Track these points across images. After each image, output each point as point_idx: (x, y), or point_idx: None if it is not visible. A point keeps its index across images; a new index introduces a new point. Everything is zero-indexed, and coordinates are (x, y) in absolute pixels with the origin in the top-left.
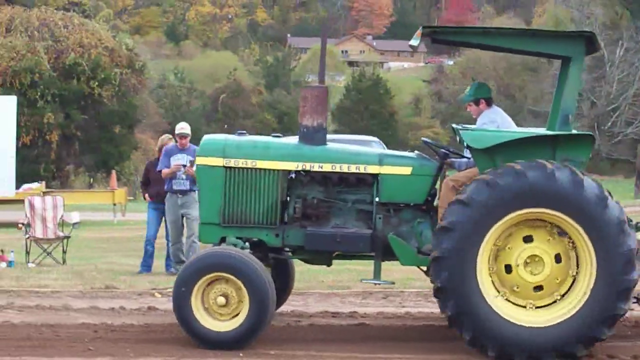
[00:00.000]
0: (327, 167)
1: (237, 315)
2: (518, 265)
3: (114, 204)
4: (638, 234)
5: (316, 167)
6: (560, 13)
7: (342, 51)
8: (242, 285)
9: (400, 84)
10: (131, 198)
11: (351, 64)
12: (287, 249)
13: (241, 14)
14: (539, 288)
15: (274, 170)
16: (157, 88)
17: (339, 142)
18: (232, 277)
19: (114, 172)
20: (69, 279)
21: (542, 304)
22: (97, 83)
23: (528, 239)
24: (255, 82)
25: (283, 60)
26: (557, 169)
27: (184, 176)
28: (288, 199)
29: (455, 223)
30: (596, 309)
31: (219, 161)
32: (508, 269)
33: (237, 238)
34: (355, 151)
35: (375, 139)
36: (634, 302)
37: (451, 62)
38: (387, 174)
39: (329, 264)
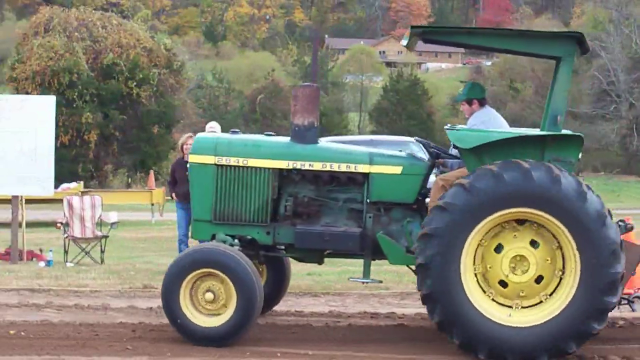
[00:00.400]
0: (317, 166)
1: (225, 311)
2: (505, 266)
3: (152, 204)
4: (631, 233)
5: (307, 166)
6: (599, 14)
7: (380, 52)
8: (229, 282)
9: (438, 85)
10: (169, 198)
11: (389, 64)
12: (279, 247)
13: (279, 15)
14: (504, 284)
15: (265, 168)
16: (195, 88)
17: (377, 144)
18: (219, 273)
19: (152, 172)
20: (107, 279)
21: (529, 304)
22: (135, 83)
23: (535, 244)
24: (293, 83)
25: (320, 61)
26: (533, 167)
27: None
28: (279, 197)
29: (436, 229)
30: (584, 304)
31: (210, 159)
32: (498, 249)
33: (229, 235)
34: (346, 150)
35: (413, 139)
36: (624, 304)
37: (489, 63)
38: (377, 173)
39: (320, 262)
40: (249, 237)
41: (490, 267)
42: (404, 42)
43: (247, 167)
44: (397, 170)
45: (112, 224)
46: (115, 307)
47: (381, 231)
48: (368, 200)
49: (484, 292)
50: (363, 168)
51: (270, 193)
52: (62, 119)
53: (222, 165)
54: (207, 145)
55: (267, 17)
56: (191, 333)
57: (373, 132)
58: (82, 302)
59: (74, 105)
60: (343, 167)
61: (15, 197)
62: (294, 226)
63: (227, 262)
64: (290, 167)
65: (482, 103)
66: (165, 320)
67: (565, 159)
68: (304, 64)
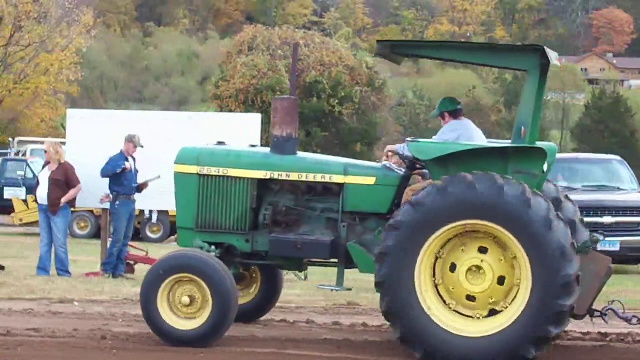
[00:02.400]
0: (294, 176)
1: (201, 314)
2: (461, 269)
3: None
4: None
5: (284, 176)
6: None
7: (582, 69)
8: (205, 286)
9: None
10: None
11: (591, 82)
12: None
13: (480, 32)
14: (471, 298)
15: (244, 178)
16: (396, 106)
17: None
18: (195, 277)
19: None
20: (312, 295)
21: (500, 309)
22: (337, 101)
23: (483, 250)
24: (494, 100)
25: (522, 78)
26: (477, 178)
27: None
28: (259, 206)
29: (388, 248)
30: (539, 308)
31: (193, 169)
32: (453, 268)
33: (210, 243)
34: (322, 161)
35: (617, 157)
36: (597, 316)
37: None
38: (351, 184)
39: (300, 269)
40: (227, 244)
41: (453, 288)
42: (376, 55)
43: (228, 177)
44: (371, 181)
45: None
46: (320, 323)
47: (354, 240)
48: (343, 210)
49: (445, 304)
50: (338, 178)
51: (249, 202)
52: (266, 137)
53: (204, 175)
54: (190, 155)
55: (468, 34)
56: (168, 336)
57: (575, 150)
58: (288, 317)
59: None
60: (319, 178)
61: None
62: (271, 234)
63: (201, 267)
64: (268, 177)
65: (454, 115)
66: (370, 338)
67: (528, 171)
68: (505, 81)
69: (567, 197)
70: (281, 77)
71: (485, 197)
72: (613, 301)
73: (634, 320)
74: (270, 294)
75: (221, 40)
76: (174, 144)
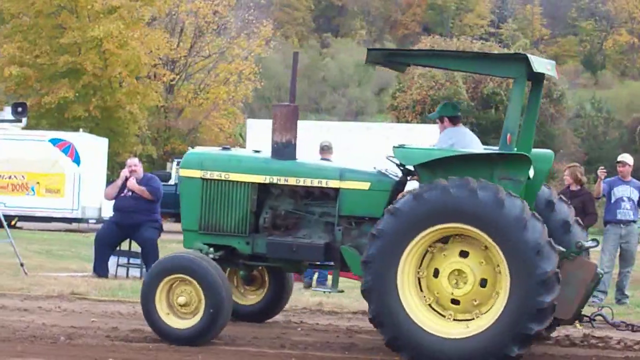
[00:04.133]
0: (292, 181)
1: (196, 314)
2: (443, 274)
3: None
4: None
5: (282, 181)
6: None
7: None
8: (198, 286)
9: None
10: None
11: None
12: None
13: None
14: (456, 301)
15: (244, 182)
16: (574, 117)
17: None
18: (189, 278)
19: None
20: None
21: (461, 318)
22: None
23: (464, 254)
24: None
25: None
26: (451, 183)
27: (627, 206)
28: (259, 209)
29: (370, 256)
30: (518, 306)
31: (197, 173)
32: (436, 273)
33: (212, 245)
34: (319, 166)
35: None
36: (586, 322)
37: None
38: (347, 189)
39: (298, 272)
40: (229, 246)
41: (437, 294)
42: (368, 62)
43: (229, 181)
44: (365, 186)
45: None
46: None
47: (349, 243)
48: (339, 214)
49: (431, 307)
50: (334, 183)
51: (249, 206)
52: None
53: (207, 179)
54: (194, 160)
55: None
56: (165, 334)
57: None
58: (309, 320)
59: None
60: (315, 182)
61: None
62: (268, 237)
63: (194, 268)
64: (268, 181)
65: (453, 121)
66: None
67: (513, 178)
68: None
69: (561, 198)
70: (458, 87)
71: (459, 200)
72: (602, 307)
73: (622, 326)
74: (279, 297)
75: None
76: (353, 153)
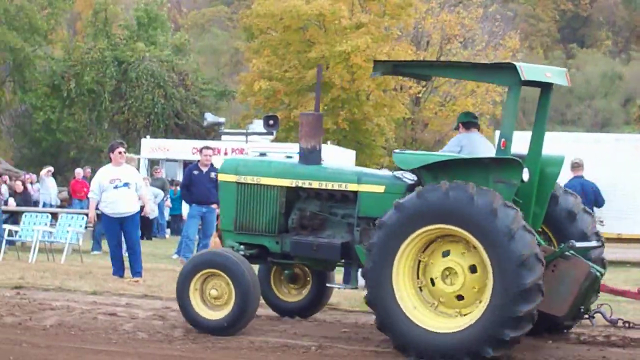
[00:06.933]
0: (315, 185)
1: (226, 306)
2: (437, 278)
3: None
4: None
5: (307, 184)
6: None
7: None
8: (229, 280)
9: None
10: None
11: None
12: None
13: None
14: (460, 297)
15: (274, 186)
16: None
17: None
18: (220, 272)
19: None
20: None
21: (469, 312)
22: None
23: (446, 254)
24: None
25: None
26: (452, 187)
27: None
28: (287, 211)
29: (372, 245)
30: (497, 312)
31: (233, 177)
32: (433, 282)
33: (245, 244)
34: (340, 170)
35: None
36: (585, 318)
37: None
38: (364, 192)
39: (330, 269)
40: (262, 245)
41: (442, 298)
42: (374, 74)
43: (260, 185)
44: (381, 189)
45: None
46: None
47: (365, 243)
48: (358, 216)
49: (424, 303)
50: (352, 187)
51: (278, 207)
52: None
53: (241, 183)
54: (231, 165)
55: None
56: (199, 324)
57: None
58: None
59: None
60: (336, 186)
61: None
62: (293, 237)
63: (225, 263)
64: (294, 185)
65: (466, 126)
66: None
67: (507, 181)
68: None
69: (566, 190)
70: None
71: (456, 204)
72: (602, 304)
73: (620, 323)
74: (320, 295)
75: None
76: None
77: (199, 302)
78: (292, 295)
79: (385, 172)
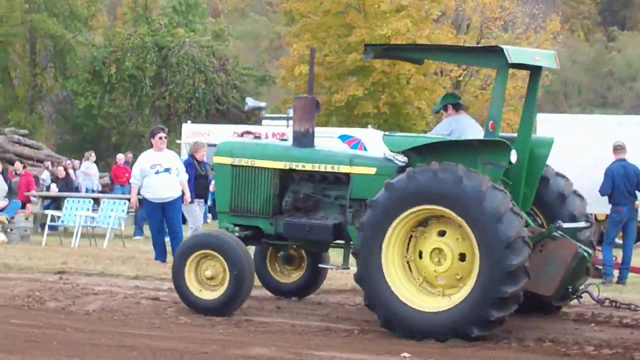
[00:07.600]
0: (308, 167)
1: (221, 286)
2: (425, 252)
3: None
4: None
5: (300, 167)
6: None
7: None
8: (223, 261)
9: None
10: None
11: None
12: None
13: None
14: (440, 278)
15: (268, 168)
16: None
17: None
18: (214, 253)
19: None
20: None
21: (449, 293)
22: None
23: (442, 234)
24: None
25: None
26: (442, 168)
27: None
28: (281, 193)
29: (362, 224)
30: (483, 292)
31: (228, 160)
32: (420, 255)
33: (240, 225)
34: (332, 153)
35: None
36: (573, 298)
37: None
38: (356, 174)
39: (323, 250)
40: (256, 227)
41: (425, 274)
42: (365, 57)
43: (254, 167)
44: (372, 171)
45: None
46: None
47: (357, 224)
48: (350, 197)
49: (411, 280)
50: (344, 169)
51: (272, 190)
52: None
53: (236, 165)
54: (226, 148)
55: None
56: (194, 304)
57: None
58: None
59: None
60: (329, 168)
61: None
62: (286, 218)
63: (220, 244)
64: (288, 167)
65: (455, 108)
66: None
67: (496, 163)
68: None
69: (557, 173)
70: None
71: (445, 185)
72: (590, 284)
73: (607, 302)
74: (315, 276)
75: None
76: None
77: (194, 282)
78: (289, 277)
79: (377, 155)
